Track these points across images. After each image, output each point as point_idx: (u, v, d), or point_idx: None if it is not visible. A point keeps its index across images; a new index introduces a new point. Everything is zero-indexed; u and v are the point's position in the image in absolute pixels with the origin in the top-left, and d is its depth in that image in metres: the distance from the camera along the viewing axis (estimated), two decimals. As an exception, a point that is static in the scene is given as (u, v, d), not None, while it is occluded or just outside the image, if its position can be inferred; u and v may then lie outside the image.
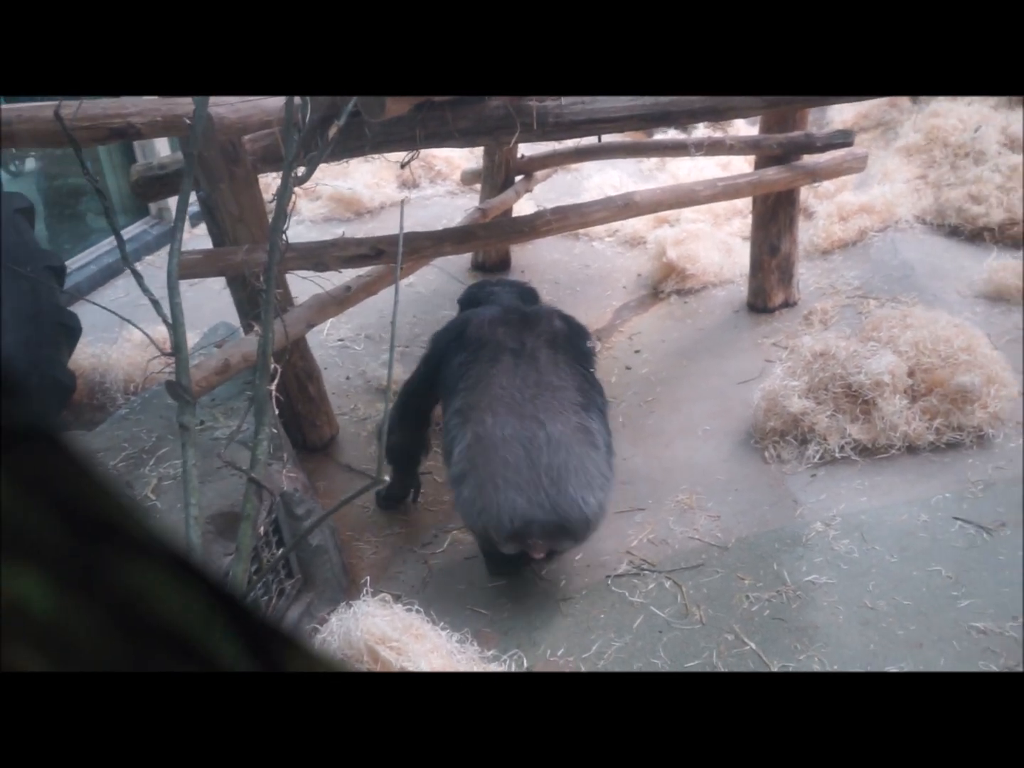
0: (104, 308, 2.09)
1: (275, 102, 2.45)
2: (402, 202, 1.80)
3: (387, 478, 1.44)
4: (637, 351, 3.99)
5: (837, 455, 2.75)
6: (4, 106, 2.12)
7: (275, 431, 2.45)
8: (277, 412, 3.00)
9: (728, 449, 3.06)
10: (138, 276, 2.16)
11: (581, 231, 5.11)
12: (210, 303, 4.32)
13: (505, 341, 2.45)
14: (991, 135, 4.44)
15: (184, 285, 4.73)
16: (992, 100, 5.40)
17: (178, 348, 2.07)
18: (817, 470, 2.77)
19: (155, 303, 2.20)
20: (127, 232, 5.07)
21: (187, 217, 5.19)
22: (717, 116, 2.57)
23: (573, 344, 2.52)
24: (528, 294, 2.95)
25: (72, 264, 4.60)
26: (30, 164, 4.92)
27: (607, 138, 4.46)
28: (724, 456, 3.03)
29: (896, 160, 4.83)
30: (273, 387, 2.10)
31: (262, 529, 2.21)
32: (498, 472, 2.25)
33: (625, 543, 2.65)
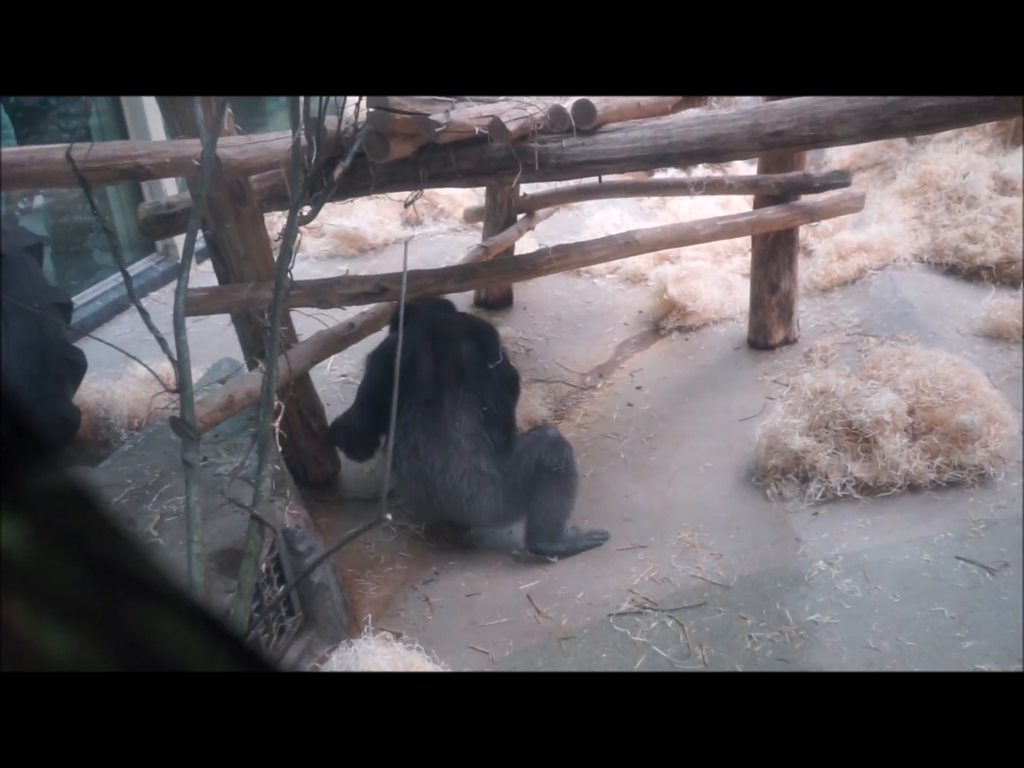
0: (109, 344, 2.12)
1: (282, 143, 2.50)
2: (406, 242, 1.84)
3: (389, 516, 1.45)
4: (639, 387, 4.01)
5: (839, 493, 2.75)
6: (16, 148, 2.17)
7: (278, 468, 2.46)
8: (280, 449, 3.01)
9: (730, 486, 3.06)
10: (144, 313, 2.19)
11: (583, 268, 5.17)
12: (214, 339, 4.35)
13: (420, 370, 2.82)
14: (980, 180, 4.52)
15: (189, 320, 4.75)
16: (983, 145, 5.50)
17: (183, 385, 2.09)
18: (819, 508, 2.76)
19: (161, 340, 2.23)
20: (133, 268, 5.13)
21: (193, 255, 5.25)
22: (715, 157, 2.61)
23: (480, 350, 2.87)
24: (445, 305, 3.18)
25: (79, 300, 4.64)
26: (38, 201, 4.99)
27: (609, 177, 4.53)
28: (726, 493, 3.03)
29: (892, 201, 4.89)
30: (277, 424, 2.12)
31: (264, 566, 2.20)
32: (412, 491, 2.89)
33: (627, 581, 2.64)
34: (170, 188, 4.80)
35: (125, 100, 4.82)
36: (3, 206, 4.47)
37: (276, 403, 2.14)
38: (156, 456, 2.57)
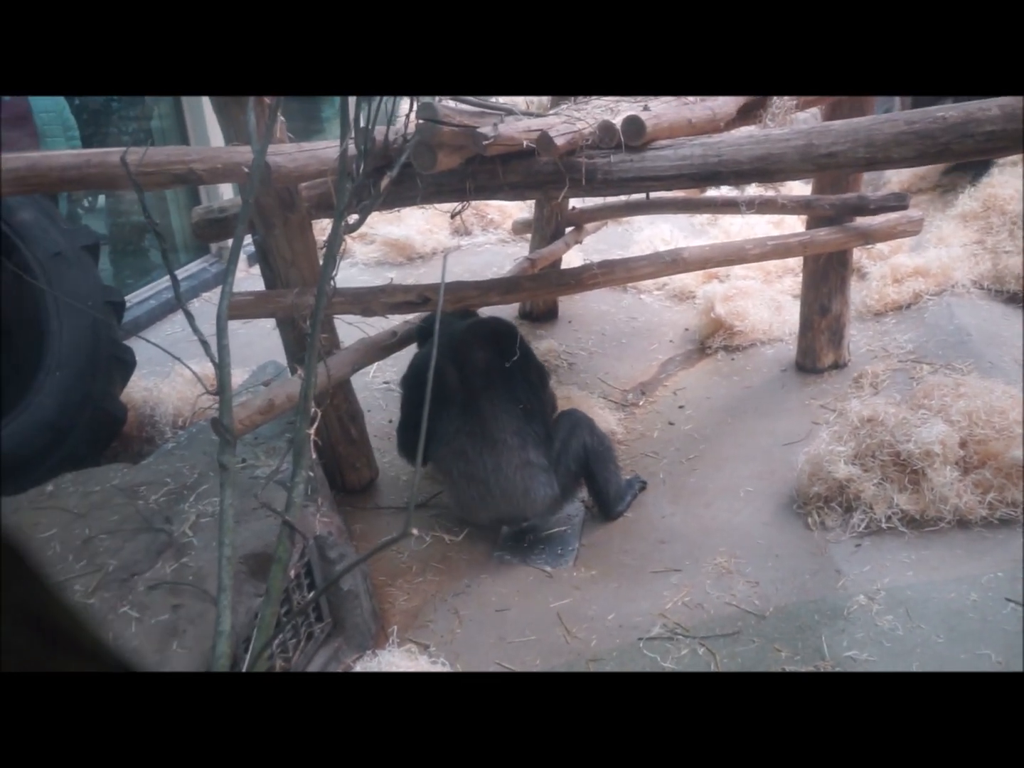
0: (155, 345, 2.15)
1: (331, 152, 2.52)
2: (444, 256, 1.83)
3: (415, 532, 1.44)
4: (681, 406, 3.95)
5: (883, 525, 2.66)
6: (74, 152, 2.22)
7: (311, 474, 2.47)
8: (316, 455, 3.03)
9: (770, 512, 2.99)
10: (190, 316, 2.22)
11: (629, 284, 5.13)
12: (262, 341, 4.42)
13: (453, 384, 2.92)
14: None
15: (238, 323, 4.87)
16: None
17: (222, 388, 2.11)
18: (862, 540, 2.68)
19: (204, 343, 2.26)
20: (188, 269, 5.24)
21: (244, 257, 5.34)
22: (766, 177, 2.55)
23: (503, 350, 2.91)
24: (463, 313, 3.23)
25: (134, 298, 4.76)
26: (102, 201, 5.14)
27: (660, 193, 4.49)
28: (766, 519, 2.96)
29: (953, 225, 4.75)
30: (312, 431, 2.13)
31: (293, 572, 2.21)
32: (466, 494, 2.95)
33: (659, 605, 2.59)
34: (226, 192, 4.90)
35: (186, 105, 4.94)
36: (66, 205, 4.61)
37: (313, 410, 2.16)
38: (196, 456, 2.61)
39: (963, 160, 4.20)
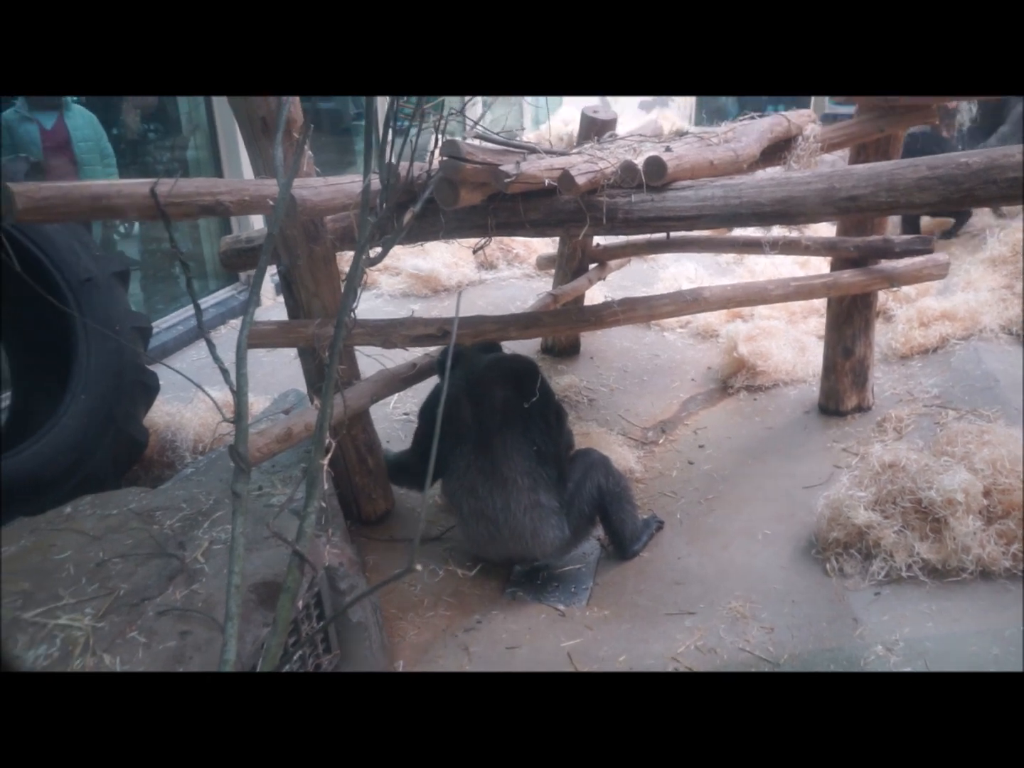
0: (176, 371, 2.18)
1: (356, 186, 2.56)
2: (459, 292, 1.85)
3: (419, 567, 1.44)
4: (701, 446, 3.92)
5: (903, 574, 2.60)
6: (105, 182, 2.28)
7: (323, 505, 2.48)
8: (330, 485, 3.04)
9: (788, 556, 2.95)
10: (210, 344, 2.25)
11: (653, 321, 5.13)
12: (285, 369, 4.46)
13: (467, 419, 2.91)
14: None
15: (263, 351, 4.91)
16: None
17: (239, 416, 2.13)
18: (881, 588, 2.62)
19: (224, 371, 2.29)
20: (216, 296, 5.33)
21: (271, 287, 5.40)
22: (787, 219, 2.55)
23: (521, 390, 2.89)
24: (489, 347, 3.22)
25: (163, 324, 4.85)
26: (137, 228, 5.26)
27: (683, 231, 4.51)
28: (783, 564, 2.91)
29: (981, 269, 4.71)
30: (326, 461, 2.14)
31: (302, 602, 2.21)
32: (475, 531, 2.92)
33: (672, 648, 2.54)
34: (257, 223, 4.99)
35: (221, 137, 5.06)
36: (101, 231, 4.72)
37: (328, 440, 2.17)
38: (213, 483, 2.63)
39: (988, 205, 4.18)
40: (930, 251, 3.59)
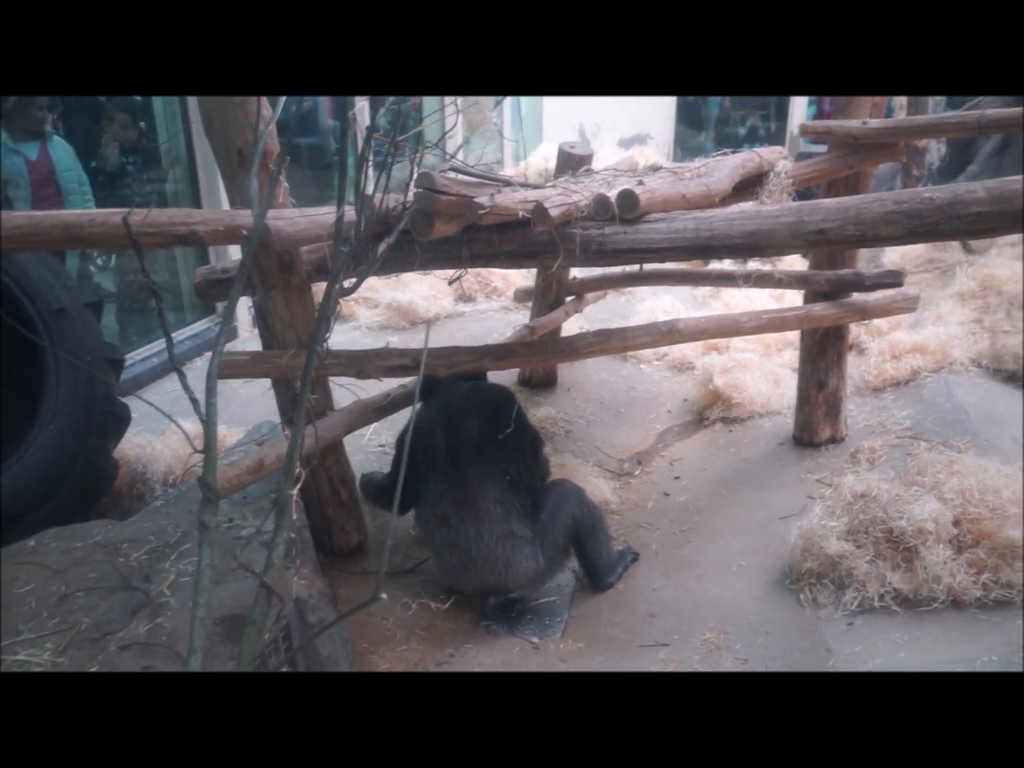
0: (147, 402, 2.16)
1: (331, 218, 2.58)
2: (428, 323, 1.85)
3: (384, 595, 1.42)
4: (677, 477, 3.93)
5: (876, 604, 2.61)
6: (78, 211, 2.28)
7: (293, 535, 2.45)
8: (301, 516, 3.01)
9: (762, 587, 2.94)
10: (181, 375, 2.23)
11: (630, 353, 5.16)
12: (260, 401, 4.42)
13: (441, 449, 2.91)
14: None
15: (238, 383, 4.86)
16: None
17: (208, 447, 2.11)
18: (854, 618, 2.62)
19: (194, 401, 2.27)
20: (192, 328, 5.31)
21: (248, 318, 5.36)
22: (757, 252, 2.59)
23: (496, 420, 2.89)
24: (474, 375, 3.21)
25: (137, 356, 4.81)
26: (114, 259, 5.24)
27: (662, 264, 4.56)
28: (757, 594, 2.91)
29: (950, 303, 4.80)
30: (296, 491, 2.12)
31: (269, 635, 2.18)
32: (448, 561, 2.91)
33: (646, 680, 2.52)
34: (235, 253, 4.98)
35: (202, 171, 5.07)
36: (77, 262, 4.70)
37: (298, 471, 2.15)
38: (182, 515, 2.60)
39: (952, 239, 4.27)
40: (900, 284, 3.65)
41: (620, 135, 9.75)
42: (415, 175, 2.51)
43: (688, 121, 10.93)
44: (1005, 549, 2.55)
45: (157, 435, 3.71)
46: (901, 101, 6.85)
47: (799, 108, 9.67)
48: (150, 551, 2.32)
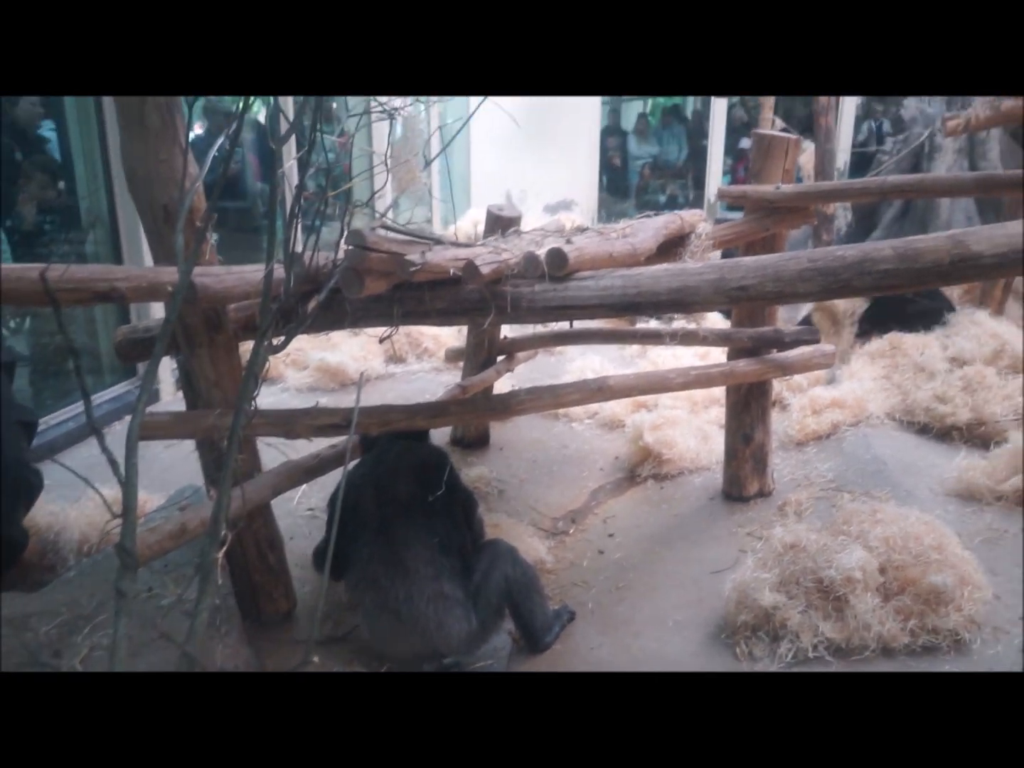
0: (64, 466, 2.07)
1: (260, 275, 2.55)
2: (361, 375, 1.84)
3: (316, 659, 1.36)
4: (611, 534, 3.93)
5: (810, 654, 2.63)
6: (-9, 266, 2.19)
7: (217, 602, 2.35)
8: (227, 582, 2.89)
9: (698, 642, 2.94)
10: (99, 435, 2.14)
11: (561, 412, 5.21)
12: (183, 465, 4.27)
13: (371, 509, 2.85)
14: (936, 354, 4.69)
15: (161, 446, 4.70)
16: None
17: (127, 510, 2.02)
18: (790, 670, 2.64)
19: (112, 463, 2.17)
20: (112, 391, 5.13)
21: (172, 381, 5.21)
22: (683, 308, 2.67)
23: (427, 480, 2.85)
24: (414, 435, 3.15)
25: (52, 420, 4.60)
26: (28, 321, 5.05)
27: (591, 324, 4.65)
28: (694, 650, 2.90)
29: (862, 361, 5.02)
30: (221, 554, 2.04)
31: (191, 709, 2.06)
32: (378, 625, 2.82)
33: (586, 742, 2.46)
34: (158, 312, 4.87)
35: (124, 231, 4.98)
36: (-12, 325, 4.52)
37: (224, 533, 2.07)
38: (98, 584, 2.46)
39: (864, 295, 4.49)
40: (817, 341, 3.80)
41: (546, 201, 10.02)
42: (345, 233, 2.52)
43: (611, 188, 11.34)
44: (929, 595, 2.62)
45: (72, 502, 3.53)
46: (809, 171, 7.27)
47: (715, 179, 10.15)
48: (61, 624, 2.19)
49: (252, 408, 2.37)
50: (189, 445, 4.15)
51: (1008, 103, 5.76)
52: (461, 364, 4.91)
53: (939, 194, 5.25)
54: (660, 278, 2.62)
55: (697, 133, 11.21)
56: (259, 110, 6.96)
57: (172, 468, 4.33)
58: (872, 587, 2.65)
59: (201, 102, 6.69)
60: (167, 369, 5.09)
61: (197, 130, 6.83)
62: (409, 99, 2.81)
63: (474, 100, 2.82)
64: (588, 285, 2.65)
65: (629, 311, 2.71)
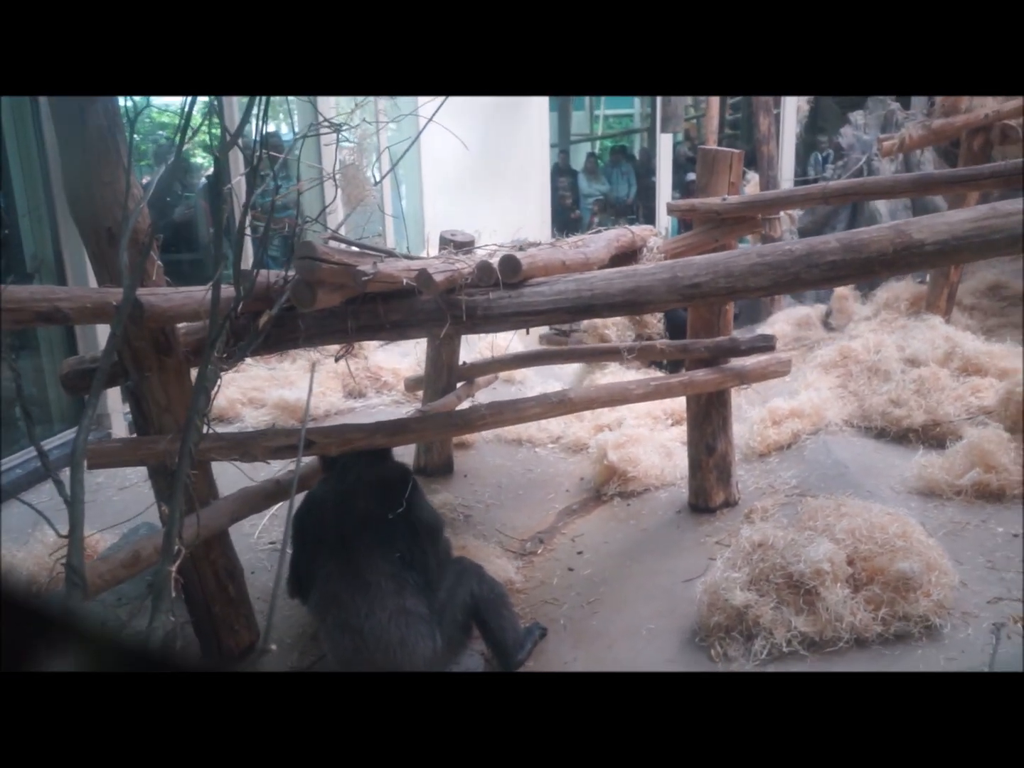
0: (22, 501, 2.00)
1: (208, 294, 2.51)
2: (312, 364, 1.80)
3: (273, 647, 1.31)
4: (580, 552, 3.89)
5: (784, 649, 2.60)
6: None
7: (172, 618, 2.25)
8: (180, 614, 2.78)
9: (673, 649, 2.89)
10: (43, 455, 2.08)
11: (525, 438, 5.18)
12: (136, 506, 4.14)
13: (332, 527, 2.79)
14: (892, 354, 4.78)
15: (115, 487, 4.54)
16: (898, 323, 5.88)
17: (74, 527, 1.94)
18: (766, 667, 2.60)
19: (58, 483, 2.10)
20: (62, 436, 4.98)
21: (124, 424, 5.06)
22: (637, 309, 2.70)
23: (388, 498, 2.80)
24: (378, 454, 3.07)
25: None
26: (-28, 373, 4.90)
27: (546, 346, 4.67)
28: (669, 656, 2.85)
29: (816, 373, 5.10)
30: (175, 568, 1.96)
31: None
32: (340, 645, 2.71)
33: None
34: (104, 342, 4.76)
35: (70, 272, 4.89)
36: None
37: (177, 547, 1.99)
38: (46, 618, 2.35)
39: (813, 288, 4.58)
40: (773, 348, 3.85)
41: (500, 241, 10.14)
42: (296, 247, 2.49)
43: (563, 226, 11.51)
44: (898, 582, 2.62)
45: (20, 544, 3.40)
46: (754, 182, 7.48)
47: (663, 213, 10.37)
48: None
49: (205, 427, 2.31)
50: (143, 488, 4.04)
51: (938, 122, 6.00)
52: (420, 394, 4.88)
53: (880, 195, 5.40)
54: (613, 280, 2.64)
55: (645, 170, 11.47)
56: (209, 166, 6.90)
57: (126, 510, 4.19)
58: (841, 578, 2.65)
59: (151, 147, 6.65)
60: (119, 412, 4.96)
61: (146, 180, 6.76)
62: (356, 115, 2.83)
63: (422, 120, 2.85)
64: (542, 291, 2.66)
65: (584, 314, 2.72)
